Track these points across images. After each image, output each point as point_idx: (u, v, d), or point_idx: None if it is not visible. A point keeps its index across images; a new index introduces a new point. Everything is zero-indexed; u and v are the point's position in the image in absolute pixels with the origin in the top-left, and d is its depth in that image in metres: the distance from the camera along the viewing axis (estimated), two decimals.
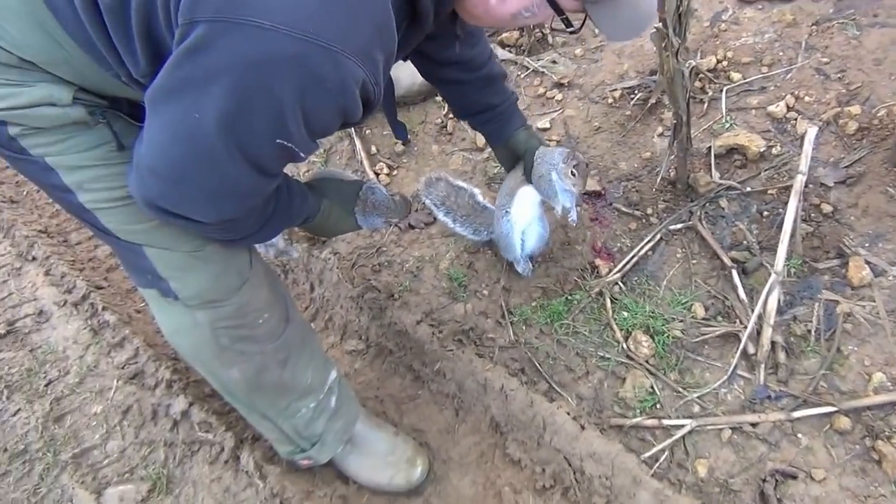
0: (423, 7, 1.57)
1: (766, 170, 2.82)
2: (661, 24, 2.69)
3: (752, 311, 2.50)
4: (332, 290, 3.05)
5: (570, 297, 2.74)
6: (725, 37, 3.20)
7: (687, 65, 2.36)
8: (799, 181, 2.41)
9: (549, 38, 3.47)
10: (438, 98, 3.46)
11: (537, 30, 3.45)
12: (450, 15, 1.76)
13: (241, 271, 1.93)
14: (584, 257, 2.84)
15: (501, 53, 3.52)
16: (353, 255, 3.12)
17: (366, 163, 3.35)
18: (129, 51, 1.45)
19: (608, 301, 2.68)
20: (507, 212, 2.58)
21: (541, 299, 2.78)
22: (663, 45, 2.31)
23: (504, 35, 3.54)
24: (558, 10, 1.60)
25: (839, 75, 2.95)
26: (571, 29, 1.67)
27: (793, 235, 2.44)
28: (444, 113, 3.41)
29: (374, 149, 3.41)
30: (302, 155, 1.48)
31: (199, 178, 1.46)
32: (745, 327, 2.46)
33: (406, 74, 3.40)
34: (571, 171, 2.34)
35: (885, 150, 2.71)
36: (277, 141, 1.39)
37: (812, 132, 2.38)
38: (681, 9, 2.19)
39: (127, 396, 2.77)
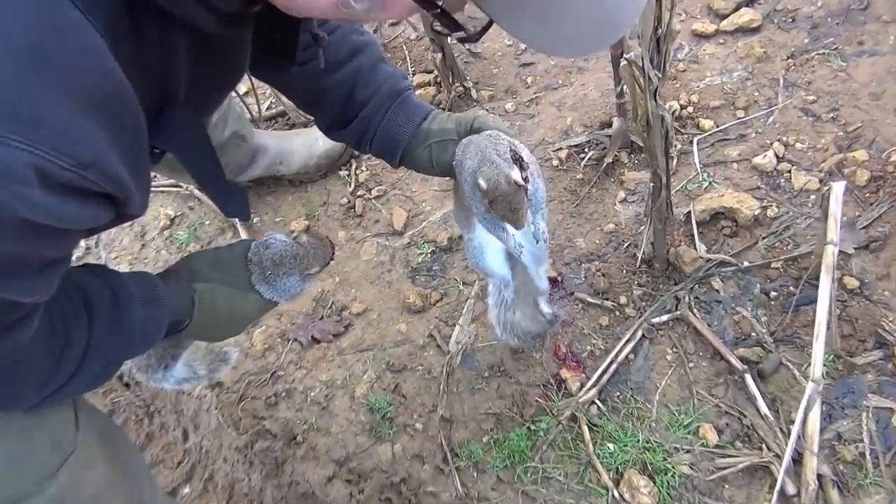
0: (190, 12, 0.96)
1: (763, 237, 2.20)
2: (626, 51, 2.10)
3: (784, 431, 1.85)
4: (212, 439, 2.26)
5: (533, 427, 2.03)
6: (685, 78, 2.64)
7: (668, 108, 1.74)
8: (830, 254, 1.79)
9: (473, 93, 2.84)
10: (343, 173, 2.77)
11: (458, 83, 2.82)
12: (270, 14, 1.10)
13: (59, 443, 1.27)
14: (545, 368, 2.15)
15: None
16: (239, 384, 2.34)
17: None
18: None
19: (585, 429, 1.98)
20: (469, 238, 1.73)
21: (494, 431, 2.06)
22: (636, 81, 1.68)
23: (418, 92, 2.90)
24: (426, 3, 0.93)
25: (832, 115, 2.39)
26: (461, 34, 0.99)
27: (828, 327, 1.81)
28: (350, 190, 2.71)
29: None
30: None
31: None
32: (778, 456, 1.80)
33: (300, 145, 2.71)
34: (483, 181, 1.44)
35: None
36: None
37: (839, 188, 1.78)
38: (659, 31, 1.58)
39: None
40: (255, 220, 2.75)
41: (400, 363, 2.26)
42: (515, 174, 1.40)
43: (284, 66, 1.39)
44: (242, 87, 3.20)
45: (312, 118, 1.79)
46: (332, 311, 2.43)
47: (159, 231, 2.83)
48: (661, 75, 1.65)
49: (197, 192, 2.85)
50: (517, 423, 2.06)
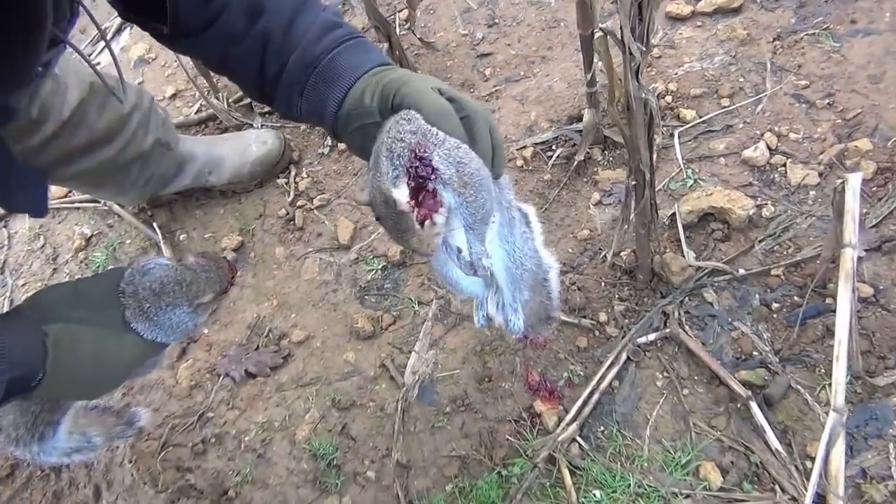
0: None
1: (760, 240, 1.93)
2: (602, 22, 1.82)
3: (800, 468, 1.57)
4: (127, 497, 1.91)
5: (504, 472, 1.73)
6: (662, 65, 2.36)
7: (651, 88, 1.46)
8: (849, 259, 1.51)
9: None
10: (281, 181, 2.44)
11: None
12: None
13: None
14: (516, 400, 1.85)
15: None
16: (161, 429, 2.00)
17: None
18: None
19: (566, 473, 1.68)
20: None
21: (459, 478, 1.75)
22: (613, 58, 1.39)
23: None
24: None
25: (827, 101, 2.13)
26: None
27: (850, 345, 1.53)
28: (288, 200, 2.38)
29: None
30: None
31: None
32: (796, 500, 1.52)
33: (232, 151, 2.38)
34: (411, 179, 1.05)
35: None
36: None
37: (856, 180, 1.51)
38: None
39: None
40: (181, 237, 2.41)
41: (348, 399, 1.94)
42: (398, 194, 1.03)
43: (159, 29, 1.08)
44: (170, 89, 2.86)
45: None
46: (269, 340, 2.10)
47: (73, 253, 2.47)
48: (644, 48, 1.36)
49: (117, 209, 2.50)
50: (486, 468, 1.75)
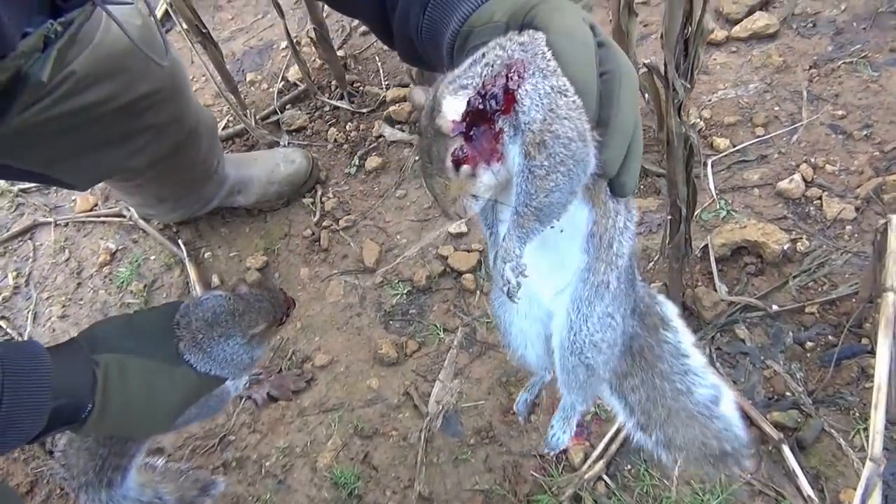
0: None
1: (794, 276, 1.89)
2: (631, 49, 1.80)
3: None
4: None
5: None
6: (695, 91, 2.32)
7: (692, 123, 1.43)
8: (890, 304, 1.47)
9: None
10: (307, 200, 2.43)
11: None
12: None
13: None
14: (541, 434, 1.81)
15: (389, 133, 2.53)
16: (181, 450, 1.99)
17: None
18: None
19: None
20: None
21: None
22: (660, 93, 1.37)
23: (392, 108, 2.56)
24: None
25: (865, 132, 2.08)
26: None
27: (889, 391, 1.48)
28: (314, 221, 2.37)
29: (216, 279, 2.32)
30: None
31: None
32: None
33: (260, 171, 2.37)
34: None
35: None
36: None
37: None
38: (688, 30, 1.26)
39: None
40: (206, 255, 2.40)
41: (370, 427, 1.92)
42: (448, 104, 0.77)
43: None
44: (209, 96, 2.87)
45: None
46: (292, 364, 2.09)
47: (98, 268, 2.47)
48: (689, 86, 1.33)
49: (142, 223, 2.50)
50: (509, 503, 1.72)
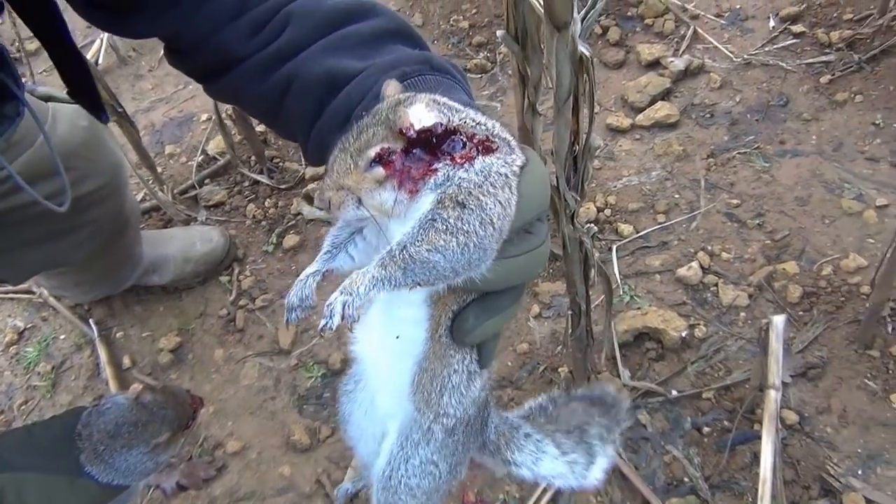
0: None
1: (692, 362, 1.98)
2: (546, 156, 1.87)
3: None
4: None
5: None
6: (602, 177, 2.44)
7: (587, 229, 1.50)
8: (772, 400, 1.56)
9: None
10: (224, 278, 2.43)
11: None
12: None
13: None
14: None
15: (308, 211, 2.56)
16: None
17: (113, 384, 2.22)
18: None
19: None
20: None
21: None
22: (555, 202, 1.44)
23: (310, 186, 2.60)
24: None
25: (758, 221, 2.22)
26: None
27: (773, 483, 1.57)
28: (230, 300, 2.37)
29: (127, 360, 2.29)
30: None
31: None
32: None
33: (176, 251, 2.36)
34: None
35: (846, 324, 1.96)
36: None
37: (780, 323, 1.57)
38: (576, 148, 1.34)
39: None
40: (118, 335, 2.37)
41: None
42: (412, 111, 0.73)
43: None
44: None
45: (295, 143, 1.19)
46: (203, 450, 2.07)
47: (4, 347, 2.40)
48: (578, 198, 1.41)
49: (52, 301, 2.45)
50: None
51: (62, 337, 2.40)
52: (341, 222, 0.83)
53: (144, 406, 1.34)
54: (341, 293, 0.73)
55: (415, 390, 0.89)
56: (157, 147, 2.91)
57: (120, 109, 2.36)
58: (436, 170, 0.71)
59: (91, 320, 2.38)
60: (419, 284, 0.74)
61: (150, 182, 2.59)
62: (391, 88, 0.80)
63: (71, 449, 1.24)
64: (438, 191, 0.72)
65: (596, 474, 1.19)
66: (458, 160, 0.72)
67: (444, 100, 0.76)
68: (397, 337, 0.87)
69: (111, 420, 1.29)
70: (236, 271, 2.45)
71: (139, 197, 2.73)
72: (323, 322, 0.73)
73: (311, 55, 1.02)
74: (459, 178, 0.72)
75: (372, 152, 0.73)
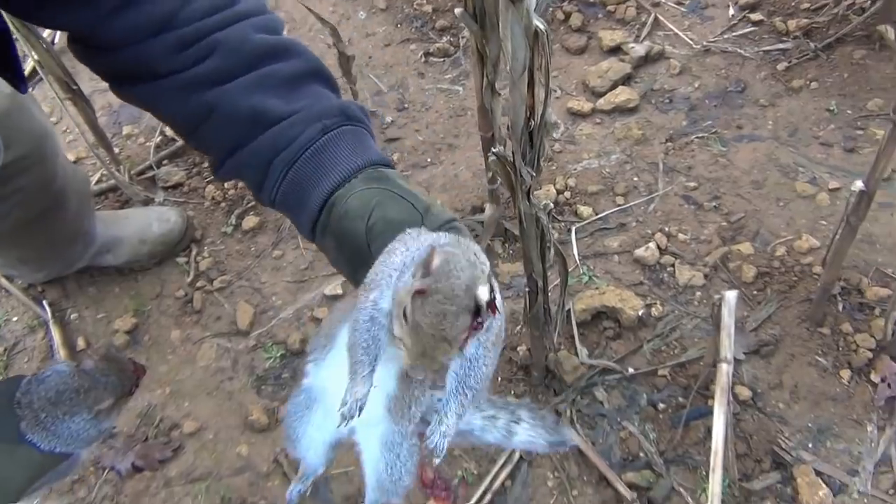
0: None
1: (648, 340, 2.00)
2: (496, 136, 1.88)
3: None
4: None
5: None
6: (562, 159, 2.45)
7: (543, 205, 1.51)
8: (724, 374, 1.58)
9: None
10: (181, 259, 2.40)
11: None
12: None
13: None
14: (410, 499, 1.83)
15: None
16: None
17: None
18: None
19: None
20: (314, 360, 1.24)
21: None
22: (511, 178, 1.44)
23: None
24: None
25: (714, 203, 2.25)
26: None
27: (726, 454, 1.59)
28: (188, 281, 2.34)
29: (81, 342, 2.25)
30: None
31: None
32: None
33: (132, 232, 2.32)
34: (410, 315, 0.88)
35: (799, 303, 2.00)
36: None
37: (732, 298, 1.60)
38: (532, 123, 1.34)
39: None
40: (72, 316, 2.33)
41: (238, 497, 1.89)
42: (481, 293, 0.86)
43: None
44: (70, 156, 2.79)
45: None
46: (159, 431, 2.04)
47: None
48: (534, 174, 1.42)
49: (4, 282, 2.40)
50: None
51: (14, 319, 2.36)
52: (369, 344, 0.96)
53: (86, 373, 1.30)
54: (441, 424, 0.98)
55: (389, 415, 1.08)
56: (114, 128, 2.86)
57: (75, 87, 2.31)
58: (481, 324, 0.86)
59: (45, 302, 2.33)
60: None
61: (108, 162, 2.55)
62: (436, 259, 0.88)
63: (10, 416, 1.21)
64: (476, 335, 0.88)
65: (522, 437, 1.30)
66: (493, 313, 0.88)
67: (482, 255, 0.92)
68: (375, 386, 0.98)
69: (52, 387, 1.25)
70: (194, 252, 2.42)
71: (95, 178, 2.69)
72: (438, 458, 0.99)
73: (236, 88, 1.11)
74: (489, 325, 0.89)
75: (464, 335, 0.85)
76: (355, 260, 1.08)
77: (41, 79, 2.66)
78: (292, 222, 1.22)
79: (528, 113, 1.32)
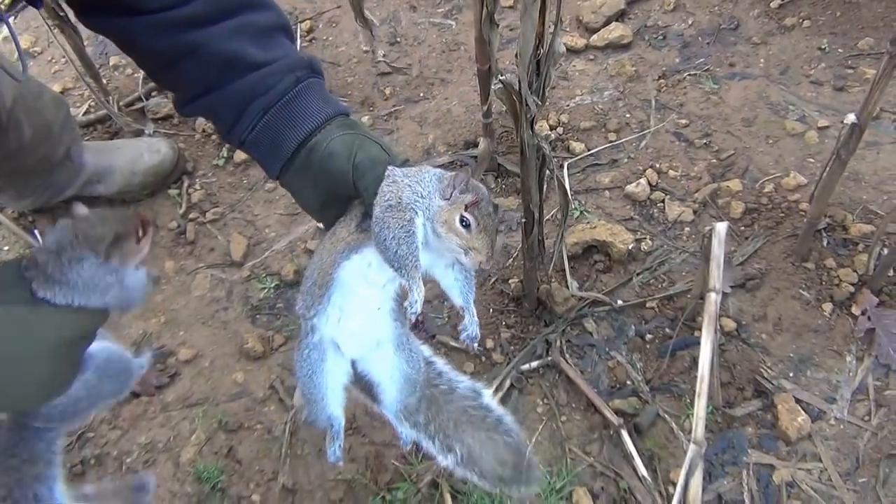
0: None
1: (637, 273, 2.05)
2: (494, 67, 1.88)
3: (663, 493, 1.68)
4: None
5: (389, 496, 1.77)
6: (555, 96, 2.45)
7: (545, 135, 1.52)
8: (712, 303, 1.63)
9: None
10: (173, 191, 2.40)
11: None
12: None
13: None
14: (369, 462, 1.89)
15: None
16: None
17: None
18: None
19: (448, 498, 1.74)
20: (316, 313, 1.33)
21: (344, 502, 1.78)
22: (515, 106, 1.45)
23: None
24: None
25: (705, 141, 2.27)
26: None
27: (711, 381, 1.65)
28: (180, 212, 2.34)
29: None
30: None
31: None
32: None
33: (123, 161, 2.31)
34: (463, 219, 1.14)
35: (785, 239, 2.04)
36: None
37: (722, 230, 1.63)
38: (540, 51, 1.35)
39: None
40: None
41: (235, 421, 1.93)
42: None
43: None
44: (57, 87, 2.75)
45: (169, 91, 1.42)
46: (155, 358, 2.07)
47: None
48: (539, 103, 1.43)
49: None
50: (371, 492, 1.79)
51: (6, 248, 2.36)
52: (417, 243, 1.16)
53: (84, 219, 1.25)
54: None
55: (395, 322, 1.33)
56: (101, 58, 2.82)
57: (62, 14, 2.27)
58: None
59: (36, 231, 2.33)
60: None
61: (98, 91, 2.52)
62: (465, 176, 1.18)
63: (21, 281, 1.16)
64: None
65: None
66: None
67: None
68: (378, 308, 1.29)
69: (52, 241, 1.18)
70: (186, 184, 2.42)
71: (84, 108, 2.66)
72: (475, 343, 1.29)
73: (219, 32, 1.21)
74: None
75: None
76: (329, 198, 1.27)
77: (25, 4, 2.61)
78: (258, 161, 1.33)
79: (538, 41, 1.32)
